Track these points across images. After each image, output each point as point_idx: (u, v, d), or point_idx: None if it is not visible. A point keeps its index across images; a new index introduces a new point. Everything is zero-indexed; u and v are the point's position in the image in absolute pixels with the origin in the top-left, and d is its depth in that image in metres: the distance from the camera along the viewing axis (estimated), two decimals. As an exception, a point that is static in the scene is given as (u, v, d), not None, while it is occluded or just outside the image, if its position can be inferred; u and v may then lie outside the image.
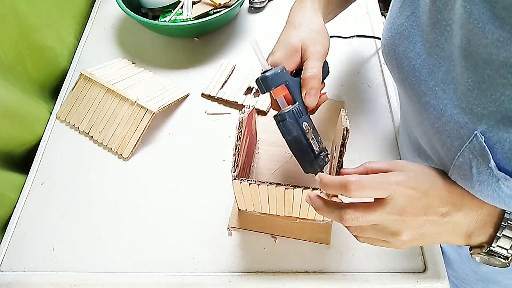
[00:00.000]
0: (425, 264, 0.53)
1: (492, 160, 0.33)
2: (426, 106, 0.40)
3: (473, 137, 0.34)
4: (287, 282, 0.52)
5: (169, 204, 0.59)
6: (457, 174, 0.38)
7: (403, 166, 0.39)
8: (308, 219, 0.55)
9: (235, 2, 0.76)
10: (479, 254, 0.39)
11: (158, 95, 0.69)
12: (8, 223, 0.58)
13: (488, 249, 0.38)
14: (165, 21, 0.79)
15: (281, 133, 0.48)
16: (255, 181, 0.45)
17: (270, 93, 0.48)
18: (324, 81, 0.52)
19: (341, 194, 0.38)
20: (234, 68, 0.75)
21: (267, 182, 0.45)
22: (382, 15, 0.85)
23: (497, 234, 0.37)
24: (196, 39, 0.81)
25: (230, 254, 0.54)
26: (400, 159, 0.62)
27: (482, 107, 0.34)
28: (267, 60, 0.48)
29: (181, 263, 0.54)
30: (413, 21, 0.42)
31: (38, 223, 0.58)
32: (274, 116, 0.47)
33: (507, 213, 0.37)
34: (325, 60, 0.51)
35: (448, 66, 0.37)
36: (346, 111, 0.49)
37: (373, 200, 0.38)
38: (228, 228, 0.56)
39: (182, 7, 0.80)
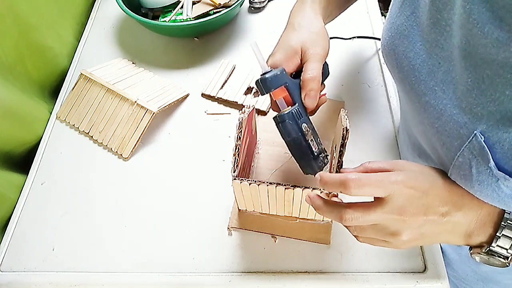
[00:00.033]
0: (425, 264, 0.53)
1: (491, 160, 0.33)
2: (425, 106, 0.40)
3: (473, 137, 0.34)
4: (287, 282, 0.52)
5: (169, 204, 0.59)
6: (456, 174, 0.38)
7: (403, 166, 0.39)
8: (308, 219, 0.55)
9: (235, 2, 0.76)
10: (479, 254, 0.39)
11: (158, 95, 0.69)
12: (8, 223, 0.58)
13: (488, 249, 0.38)
14: (165, 21, 0.79)
15: (281, 134, 0.48)
16: (255, 181, 0.45)
17: (270, 95, 0.48)
18: (324, 81, 0.52)
19: (341, 192, 0.38)
20: (234, 68, 0.75)
21: (267, 182, 0.45)
22: (382, 15, 0.85)
23: (497, 234, 0.37)
24: (196, 39, 0.81)
25: (230, 254, 0.54)
26: (400, 159, 0.62)
27: (482, 107, 0.34)
28: (267, 61, 0.48)
29: (181, 263, 0.54)
30: (412, 21, 0.42)
31: (38, 223, 0.58)
32: (274, 118, 0.47)
33: (506, 212, 0.37)
34: (325, 62, 0.51)
35: (447, 66, 0.37)
36: (346, 111, 0.49)
37: (372, 200, 0.38)
38: (228, 228, 0.56)
39: (182, 7, 0.80)
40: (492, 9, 0.31)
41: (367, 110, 0.69)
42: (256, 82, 0.47)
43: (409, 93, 0.43)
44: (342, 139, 0.46)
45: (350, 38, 0.78)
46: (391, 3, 0.47)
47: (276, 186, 0.45)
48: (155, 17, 0.82)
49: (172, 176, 0.62)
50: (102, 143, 0.66)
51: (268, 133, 0.64)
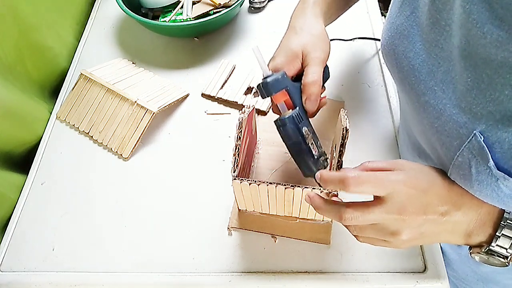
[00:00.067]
0: (425, 264, 0.53)
1: (491, 160, 0.33)
2: (425, 106, 0.40)
3: (472, 137, 0.34)
4: (287, 282, 0.52)
5: (169, 204, 0.59)
6: (456, 173, 0.38)
7: (403, 166, 0.39)
8: (308, 219, 0.55)
9: (235, 2, 0.76)
10: (479, 253, 0.39)
11: (158, 95, 0.69)
12: (8, 223, 0.58)
13: (487, 248, 0.38)
14: (165, 21, 0.79)
15: (281, 137, 0.48)
16: (255, 181, 0.45)
17: (271, 98, 0.48)
18: (325, 84, 0.52)
19: (340, 190, 0.38)
20: (234, 68, 0.75)
21: (267, 182, 0.45)
22: (382, 15, 0.85)
23: (497, 234, 0.37)
24: (196, 39, 0.81)
25: (230, 254, 0.54)
26: (400, 159, 0.62)
27: (481, 106, 0.34)
28: (268, 65, 0.49)
29: (181, 263, 0.54)
30: (412, 21, 0.42)
31: (38, 223, 0.58)
32: (275, 121, 0.48)
33: (506, 212, 0.37)
34: (326, 65, 0.52)
35: (447, 66, 0.37)
36: (346, 111, 0.50)
37: (372, 200, 0.38)
38: (228, 228, 0.56)
39: (182, 7, 0.80)
40: (492, 9, 0.31)
41: (367, 110, 0.69)
42: (257, 86, 0.48)
43: (408, 93, 0.43)
44: (342, 139, 0.46)
45: (350, 40, 0.78)
46: (391, 3, 0.47)
47: (276, 186, 0.45)
48: (155, 17, 0.82)
49: (172, 176, 0.62)
50: (102, 143, 0.66)
51: (268, 133, 0.64)
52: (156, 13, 0.83)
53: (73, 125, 0.68)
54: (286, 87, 0.47)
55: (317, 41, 0.50)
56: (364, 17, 0.83)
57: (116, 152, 0.65)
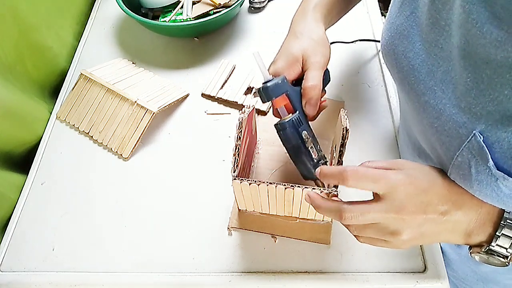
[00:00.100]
0: (425, 264, 0.53)
1: (490, 160, 0.33)
2: (425, 106, 0.40)
3: (472, 137, 0.34)
4: (287, 282, 0.52)
5: (169, 204, 0.59)
6: (456, 173, 0.38)
7: (403, 165, 0.39)
8: (308, 219, 0.55)
9: (235, 2, 0.76)
10: (479, 253, 0.39)
11: (158, 95, 0.69)
12: (8, 223, 0.58)
13: (487, 248, 0.38)
14: (165, 21, 0.79)
15: (281, 141, 0.49)
16: (255, 181, 0.45)
17: (271, 102, 0.49)
18: (325, 87, 0.53)
19: (339, 183, 0.39)
20: (234, 68, 0.75)
21: (267, 182, 0.45)
22: (382, 15, 0.85)
23: (497, 233, 0.37)
24: (196, 39, 0.81)
25: (230, 254, 0.54)
26: (400, 159, 0.62)
27: (481, 106, 0.34)
28: (268, 69, 0.50)
29: (181, 263, 0.54)
30: (412, 21, 0.42)
31: (38, 223, 0.58)
32: (275, 125, 0.49)
33: (506, 212, 0.37)
34: (327, 68, 0.52)
35: (447, 66, 0.37)
36: (346, 111, 0.50)
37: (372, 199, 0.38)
38: (228, 228, 0.56)
39: (182, 7, 0.80)
40: (491, 9, 0.31)
41: (367, 110, 0.69)
42: (257, 90, 0.48)
43: (408, 93, 0.43)
44: (342, 139, 0.46)
45: (352, 42, 0.77)
46: (391, 3, 0.47)
47: (276, 186, 0.45)
48: (155, 17, 0.82)
49: (172, 176, 0.62)
50: (102, 143, 0.66)
51: (268, 133, 0.64)
52: (156, 13, 0.83)
53: (73, 125, 0.68)
54: (286, 92, 0.48)
55: (317, 45, 0.50)
56: (364, 17, 0.83)
57: (116, 152, 0.65)
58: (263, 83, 0.48)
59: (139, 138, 0.64)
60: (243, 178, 0.46)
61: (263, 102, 0.49)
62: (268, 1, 0.88)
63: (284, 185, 0.45)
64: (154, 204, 0.59)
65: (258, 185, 0.45)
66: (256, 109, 0.68)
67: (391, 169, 0.39)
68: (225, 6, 0.77)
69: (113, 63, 0.75)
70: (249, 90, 0.72)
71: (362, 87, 0.72)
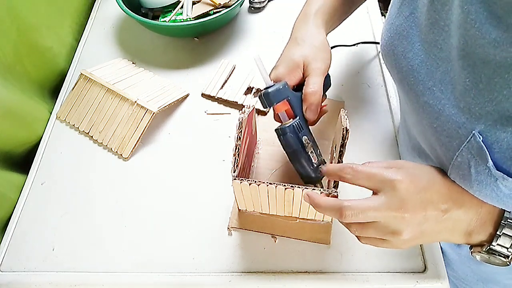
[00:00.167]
0: (425, 264, 0.53)
1: (490, 160, 0.33)
2: (424, 106, 0.40)
3: (471, 137, 0.34)
4: (287, 282, 0.52)
5: (169, 204, 0.59)
6: (455, 173, 0.38)
7: (403, 165, 0.39)
8: (308, 219, 0.55)
9: (235, 2, 0.76)
10: (479, 252, 0.39)
11: (158, 95, 0.69)
12: (8, 223, 0.58)
13: (488, 247, 0.38)
14: (165, 21, 0.79)
15: (282, 145, 0.50)
16: (255, 181, 0.45)
17: (273, 107, 0.50)
18: (326, 92, 0.53)
19: (340, 179, 0.41)
20: (234, 68, 0.75)
21: (267, 182, 0.45)
22: (382, 15, 0.85)
23: (497, 233, 0.37)
24: (196, 39, 0.81)
25: (230, 254, 0.54)
26: (400, 159, 0.62)
27: (480, 107, 0.34)
28: (270, 74, 0.51)
29: (181, 263, 0.54)
30: (411, 22, 0.42)
31: (38, 223, 0.58)
32: (276, 130, 0.50)
33: (507, 211, 0.37)
34: (328, 73, 0.53)
35: (446, 66, 0.37)
36: (346, 111, 0.50)
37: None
38: (228, 228, 0.56)
39: (182, 7, 0.80)
40: (490, 9, 0.31)
41: (367, 110, 0.69)
42: (259, 96, 0.49)
43: (408, 93, 0.44)
44: (342, 139, 0.46)
45: (353, 45, 0.77)
46: (391, 3, 0.47)
47: (276, 186, 0.45)
48: (155, 17, 0.82)
49: (172, 176, 0.62)
50: (102, 143, 0.66)
51: (268, 133, 0.64)
52: (156, 13, 0.83)
53: (73, 125, 0.68)
54: (287, 97, 0.49)
55: (318, 52, 0.51)
56: (364, 17, 0.83)
57: (116, 152, 0.65)
58: (264, 89, 0.48)
59: (139, 138, 0.64)
60: (243, 178, 0.46)
61: (264, 107, 0.50)
62: (268, 1, 0.88)
63: (284, 185, 0.45)
64: (154, 204, 0.59)
65: (258, 185, 0.45)
66: (256, 109, 0.68)
67: (391, 168, 0.39)
68: (225, 6, 0.77)
69: (113, 63, 0.75)
70: (249, 90, 0.72)
71: (362, 87, 0.72)
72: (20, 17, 0.65)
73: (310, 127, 0.52)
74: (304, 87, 0.50)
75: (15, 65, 0.65)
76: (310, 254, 0.54)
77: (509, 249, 0.37)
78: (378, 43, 0.78)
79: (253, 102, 0.70)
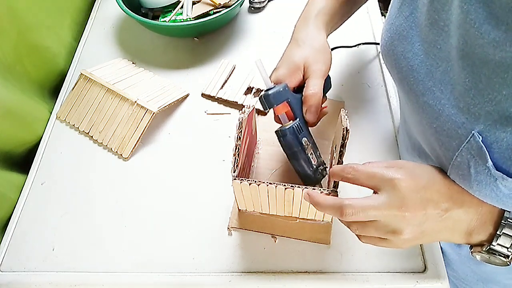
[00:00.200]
0: (425, 264, 0.53)
1: (489, 160, 0.33)
2: (424, 106, 0.40)
3: (471, 137, 0.34)
4: (287, 282, 0.52)
5: (169, 204, 0.59)
6: (455, 174, 0.38)
7: (403, 165, 0.40)
8: (308, 219, 0.55)
9: (235, 2, 0.76)
10: (480, 252, 0.39)
11: (158, 95, 0.69)
12: (8, 223, 0.58)
13: (488, 247, 0.38)
14: (165, 21, 0.79)
15: (282, 147, 0.51)
16: (255, 181, 0.45)
17: (273, 109, 0.50)
18: (326, 94, 0.54)
19: (342, 179, 0.41)
20: (234, 68, 0.75)
21: (267, 182, 0.45)
22: (382, 15, 0.85)
23: (497, 233, 0.37)
24: (196, 39, 0.81)
25: (230, 254, 0.54)
26: (400, 159, 0.62)
27: (479, 107, 0.34)
28: (271, 75, 0.51)
29: (181, 263, 0.54)
30: (411, 22, 0.42)
31: (38, 223, 0.58)
32: (276, 131, 0.50)
33: (507, 211, 0.37)
34: (328, 75, 0.53)
35: (445, 66, 0.37)
36: (346, 111, 0.50)
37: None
38: (228, 228, 0.56)
39: (182, 7, 0.80)
40: (489, 9, 0.31)
41: (367, 110, 0.69)
42: (259, 98, 0.50)
43: (407, 93, 0.44)
44: (342, 139, 0.46)
45: (353, 46, 0.77)
46: (391, 3, 0.47)
47: (276, 186, 0.45)
48: (155, 17, 0.82)
49: (172, 176, 0.62)
50: (102, 143, 0.66)
51: (268, 133, 0.64)
52: (156, 13, 0.83)
53: (73, 125, 0.68)
54: (287, 99, 0.49)
55: (318, 54, 0.52)
56: (364, 17, 0.83)
57: (116, 152, 0.65)
58: (264, 91, 0.49)
59: (139, 138, 0.64)
60: (243, 178, 0.46)
61: (265, 109, 0.50)
62: (268, 1, 0.88)
63: (284, 185, 0.45)
64: (154, 204, 0.59)
65: (258, 185, 0.45)
66: (256, 109, 0.68)
67: (391, 168, 0.39)
68: (225, 6, 0.77)
69: (113, 63, 0.75)
70: (249, 90, 0.72)
71: (362, 87, 0.72)
72: (20, 17, 0.65)
73: (310, 127, 0.52)
74: (304, 89, 0.50)
75: (15, 65, 0.65)
76: (310, 254, 0.54)
77: (509, 249, 0.37)
78: (379, 43, 0.78)
79: (253, 102, 0.70)
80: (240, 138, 0.47)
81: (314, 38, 0.53)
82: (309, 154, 0.51)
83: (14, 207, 0.60)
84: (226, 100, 0.70)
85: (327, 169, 0.55)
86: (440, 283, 0.52)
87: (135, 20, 0.73)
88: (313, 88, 0.49)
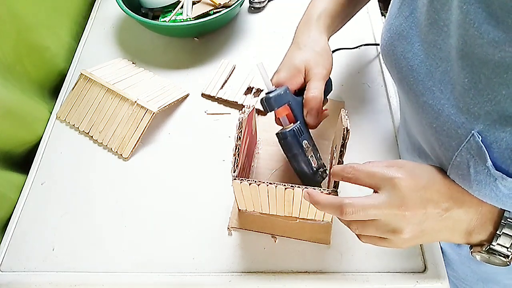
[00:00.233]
0: (425, 264, 0.53)
1: (489, 160, 0.33)
2: (424, 106, 0.40)
3: (470, 137, 0.34)
4: (287, 282, 0.52)
5: (169, 204, 0.59)
6: (455, 173, 0.38)
7: (403, 164, 0.40)
8: (308, 219, 0.55)
9: (235, 2, 0.76)
10: (480, 252, 0.39)
11: (158, 95, 0.69)
12: (8, 223, 0.58)
13: (488, 247, 0.38)
14: (165, 21, 0.79)
15: (282, 149, 0.52)
16: (255, 181, 0.45)
17: (274, 112, 0.51)
18: (326, 96, 0.55)
19: (342, 180, 0.41)
20: (234, 68, 0.75)
21: (267, 182, 0.45)
22: (382, 15, 0.85)
23: (497, 232, 0.37)
24: (196, 39, 0.81)
25: (230, 254, 0.54)
26: (400, 159, 0.62)
27: (479, 106, 0.34)
28: (272, 78, 0.52)
29: (181, 263, 0.54)
30: (411, 22, 0.42)
31: (38, 223, 0.58)
32: (276, 134, 0.51)
33: (507, 211, 0.37)
34: (329, 77, 0.54)
35: (445, 66, 0.37)
36: (346, 111, 0.50)
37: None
38: (228, 228, 0.56)
39: (182, 7, 0.80)
40: (489, 9, 0.31)
41: (367, 110, 0.69)
42: (260, 101, 0.50)
43: (407, 93, 0.44)
44: (343, 139, 0.46)
45: (354, 48, 0.77)
46: (390, 4, 0.47)
47: (276, 186, 0.45)
48: (155, 17, 0.82)
49: (172, 176, 0.62)
50: (102, 143, 0.66)
51: (268, 133, 0.64)
52: (156, 13, 0.83)
53: (73, 125, 0.68)
54: (288, 102, 0.50)
55: (319, 57, 0.52)
56: (364, 17, 0.83)
57: (116, 152, 0.65)
58: (266, 94, 0.49)
59: (139, 138, 0.64)
60: (243, 178, 0.46)
61: (266, 112, 0.51)
62: (268, 1, 0.88)
63: (284, 185, 0.45)
64: (154, 204, 0.59)
65: (258, 185, 0.45)
66: (256, 109, 0.68)
67: (392, 167, 0.39)
68: (225, 6, 0.77)
69: (113, 63, 0.75)
70: (249, 90, 0.72)
71: (362, 87, 0.72)
72: (20, 17, 0.65)
73: (311, 129, 0.53)
74: (305, 92, 0.51)
75: (15, 65, 0.65)
76: (310, 254, 0.54)
77: (509, 249, 0.37)
78: (379, 44, 0.78)
79: (253, 102, 0.70)
80: (240, 138, 0.47)
81: (315, 41, 0.53)
82: (309, 157, 0.51)
83: (14, 207, 0.60)
84: (226, 100, 0.70)
85: (327, 171, 0.55)
86: (440, 283, 0.52)
87: (135, 20, 0.73)
88: (314, 91, 0.50)
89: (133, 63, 0.77)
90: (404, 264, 0.53)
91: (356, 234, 0.41)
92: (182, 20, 0.77)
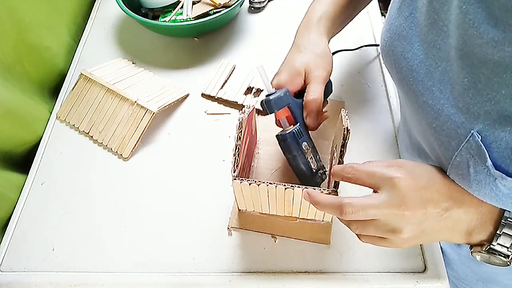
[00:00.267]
0: (425, 264, 0.53)
1: (489, 159, 0.33)
2: (423, 106, 0.40)
3: (470, 137, 0.35)
4: (287, 282, 0.52)
5: (169, 204, 0.59)
6: (455, 173, 0.38)
7: (403, 164, 0.40)
8: (308, 219, 0.55)
9: (235, 2, 0.76)
10: (480, 252, 0.39)
11: (158, 95, 0.69)
12: (8, 223, 0.58)
13: (488, 247, 0.38)
14: (165, 21, 0.79)
15: (282, 151, 0.52)
16: (255, 181, 0.45)
17: (274, 114, 0.51)
18: (326, 98, 0.55)
19: (342, 180, 0.41)
20: (234, 68, 0.75)
21: (267, 182, 0.45)
22: (382, 15, 0.85)
23: (497, 232, 0.37)
24: (196, 39, 0.81)
25: (230, 254, 0.54)
26: (400, 158, 0.62)
27: (478, 106, 0.34)
28: (272, 81, 0.52)
29: (181, 263, 0.54)
30: (411, 22, 0.42)
31: (38, 223, 0.58)
32: (276, 136, 0.51)
33: (507, 211, 0.37)
34: (329, 80, 0.54)
35: (445, 66, 0.37)
36: (346, 111, 0.50)
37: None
38: (228, 228, 0.56)
39: (182, 7, 0.80)
40: (488, 9, 0.31)
41: (367, 110, 0.69)
42: (261, 103, 0.51)
43: (407, 93, 0.44)
44: (343, 139, 0.46)
45: (355, 49, 0.77)
46: (390, 4, 0.47)
47: (276, 186, 0.45)
48: (155, 17, 0.82)
49: (172, 176, 0.62)
50: (102, 143, 0.66)
51: (268, 133, 0.64)
52: (156, 13, 0.83)
53: (73, 125, 0.68)
54: (288, 104, 0.50)
55: (319, 60, 0.52)
56: (364, 17, 0.83)
57: (116, 152, 0.65)
58: (266, 96, 0.50)
59: (139, 138, 0.64)
60: (243, 178, 0.46)
61: (266, 114, 0.51)
62: (268, 1, 0.88)
63: (284, 185, 0.45)
64: (154, 204, 0.59)
65: (258, 185, 0.45)
66: (256, 109, 0.68)
67: (391, 167, 0.39)
68: (225, 6, 0.77)
69: (113, 63, 0.75)
70: (249, 90, 0.72)
71: (362, 87, 0.72)
72: (19, 17, 0.65)
73: (310, 131, 0.53)
74: (305, 94, 0.51)
75: (14, 65, 0.65)
76: (310, 254, 0.54)
77: (509, 249, 0.37)
78: (379, 45, 0.78)
79: (253, 102, 0.70)
80: (240, 138, 0.47)
81: (316, 44, 0.53)
82: (308, 158, 0.51)
83: (14, 207, 0.60)
84: (226, 100, 0.70)
85: (326, 172, 0.55)
86: (440, 283, 0.52)
87: (135, 20, 0.73)
88: (314, 93, 0.50)
89: (133, 63, 0.77)
90: (404, 264, 0.53)
91: (356, 234, 0.41)
92: (182, 20, 0.77)
